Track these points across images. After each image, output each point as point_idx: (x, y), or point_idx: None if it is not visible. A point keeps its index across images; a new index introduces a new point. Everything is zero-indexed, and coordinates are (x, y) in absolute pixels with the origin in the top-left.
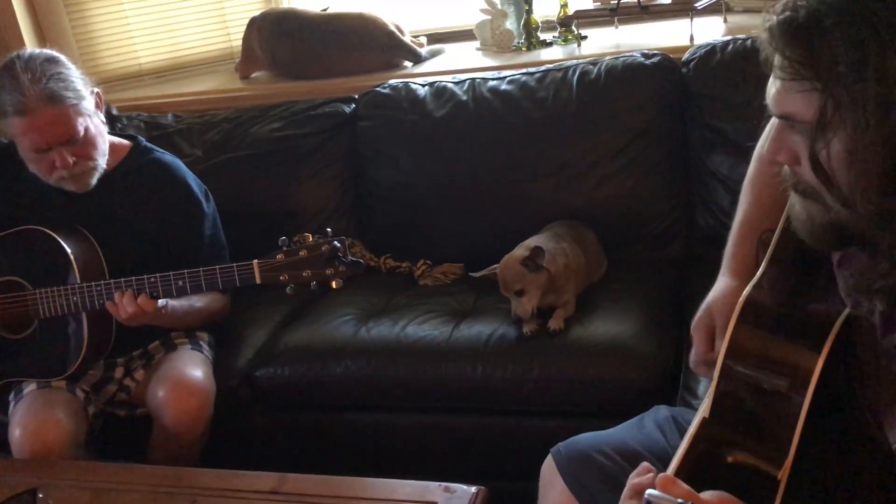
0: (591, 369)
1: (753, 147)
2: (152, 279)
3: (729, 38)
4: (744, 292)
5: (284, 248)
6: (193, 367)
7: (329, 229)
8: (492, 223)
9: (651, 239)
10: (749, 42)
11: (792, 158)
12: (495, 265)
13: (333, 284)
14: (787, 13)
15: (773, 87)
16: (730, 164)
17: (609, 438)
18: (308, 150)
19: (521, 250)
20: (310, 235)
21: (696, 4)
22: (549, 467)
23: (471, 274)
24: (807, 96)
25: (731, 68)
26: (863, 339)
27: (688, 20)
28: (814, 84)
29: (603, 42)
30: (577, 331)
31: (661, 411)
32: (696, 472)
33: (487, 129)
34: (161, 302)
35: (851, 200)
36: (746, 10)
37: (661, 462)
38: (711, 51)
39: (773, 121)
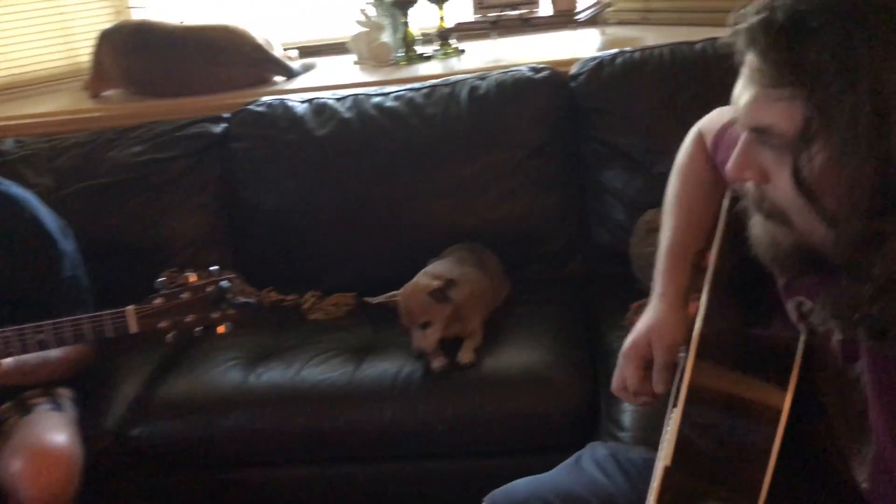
0: (510, 404)
1: (646, 161)
2: (5, 334)
3: (615, 51)
4: (695, 328)
5: (163, 291)
6: (54, 431)
7: (215, 266)
8: (384, 248)
9: (549, 258)
10: (637, 54)
11: (760, 176)
12: (393, 291)
13: (220, 329)
14: (765, 14)
15: (744, 95)
16: (624, 178)
17: (551, 485)
18: (175, 176)
19: (426, 279)
20: (192, 275)
21: (578, 17)
22: None
23: (366, 300)
24: (788, 105)
25: (621, 82)
26: (822, 369)
27: (565, 32)
28: (797, 91)
29: (483, 55)
30: (490, 362)
31: (598, 449)
32: None
33: (375, 147)
34: (7, 361)
35: (836, 220)
36: (621, 22)
37: None
38: (599, 64)
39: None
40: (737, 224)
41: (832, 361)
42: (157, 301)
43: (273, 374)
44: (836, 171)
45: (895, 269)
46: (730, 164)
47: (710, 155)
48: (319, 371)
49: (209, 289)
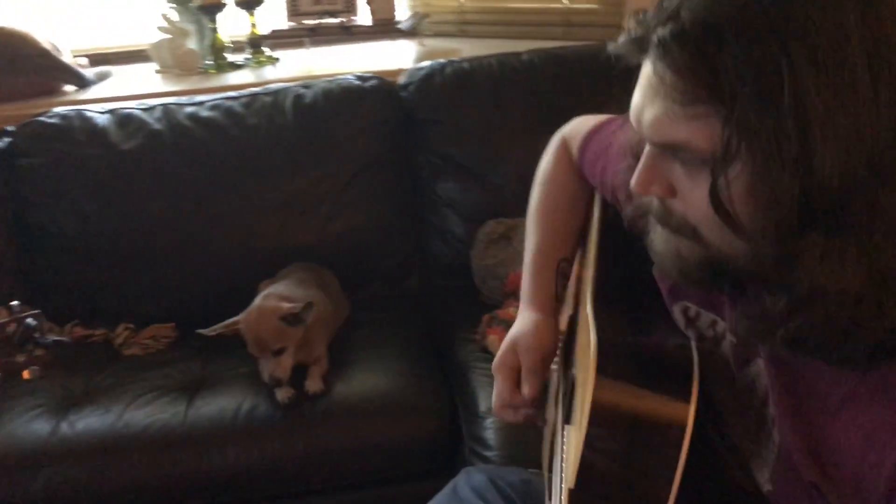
0: (366, 432)
1: (482, 171)
2: None
3: (443, 60)
4: (592, 342)
5: None
6: None
7: (16, 301)
8: (205, 273)
9: (387, 274)
10: (465, 64)
11: (667, 191)
12: (234, 319)
13: (26, 375)
14: (674, 24)
15: (650, 109)
16: (461, 189)
17: None
18: None
19: (273, 301)
20: None
21: (400, 25)
22: None
23: (200, 331)
24: (704, 124)
25: (452, 91)
26: (715, 374)
27: (383, 43)
28: (714, 109)
29: (299, 65)
30: (341, 390)
31: (474, 475)
32: None
33: (190, 162)
34: None
35: (754, 236)
36: (438, 34)
37: None
38: (429, 74)
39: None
40: (612, 232)
41: (724, 366)
42: None
43: (90, 421)
44: (756, 189)
45: (814, 283)
46: (634, 179)
47: (574, 163)
48: (145, 414)
49: (10, 327)
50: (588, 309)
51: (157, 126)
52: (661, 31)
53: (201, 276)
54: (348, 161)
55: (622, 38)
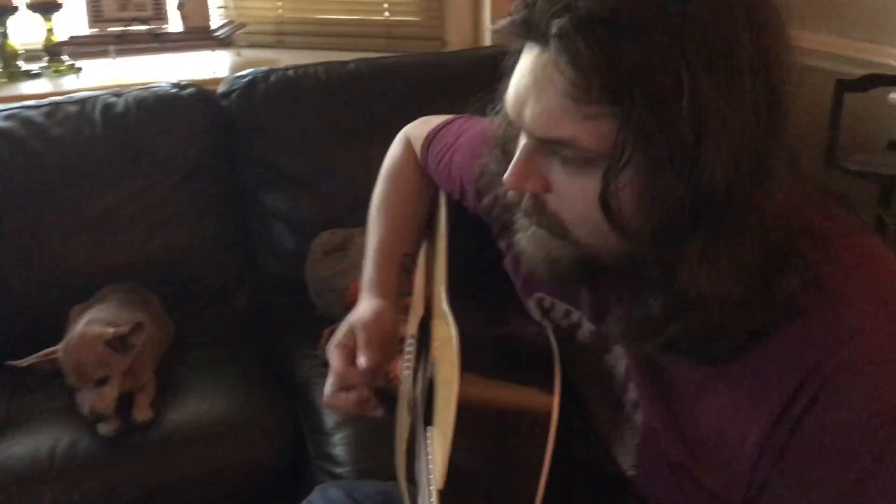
0: (206, 460)
1: (312, 182)
2: None
3: (266, 68)
4: (453, 338)
5: None
6: None
7: None
8: (9, 299)
9: (213, 293)
10: (290, 73)
11: (543, 185)
12: (50, 349)
13: None
14: (571, 15)
15: (537, 103)
16: (290, 201)
17: None
18: None
19: (96, 327)
20: None
21: (216, 34)
22: None
23: (11, 363)
24: (596, 123)
25: (278, 100)
26: (574, 363)
27: (196, 53)
28: (609, 109)
29: (105, 75)
30: (173, 417)
31: (330, 491)
32: None
33: None
34: None
35: (636, 239)
36: (253, 45)
37: None
38: (253, 82)
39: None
40: (461, 229)
41: (583, 354)
42: None
43: None
44: (644, 193)
45: (694, 286)
46: (509, 173)
47: (419, 160)
48: None
49: None
50: (444, 305)
51: None
52: (561, 23)
53: (4, 303)
54: (166, 174)
55: (504, 21)
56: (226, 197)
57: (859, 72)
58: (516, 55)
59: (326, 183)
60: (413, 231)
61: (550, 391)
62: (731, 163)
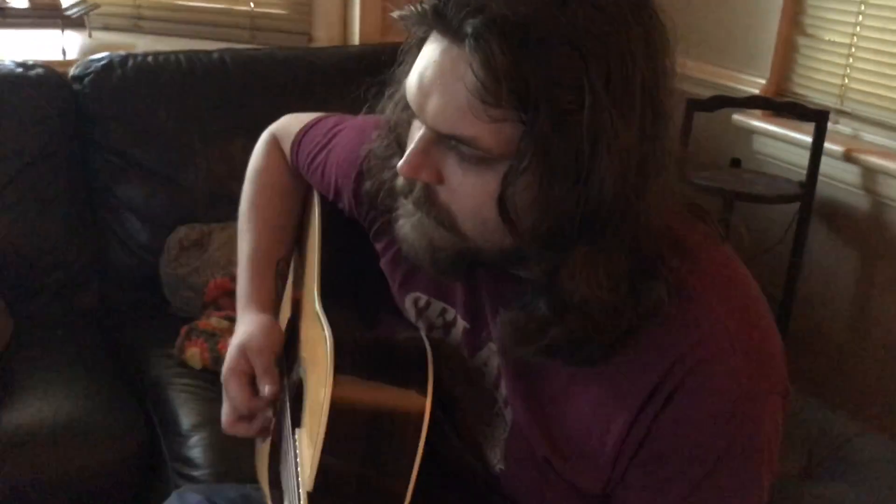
0: (50, 465)
1: (169, 174)
2: None
3: (124, 53)
4: (327, 340)
5: None
6: None
7: None
8: None
9: (57, 288)
10: (150, 59)
11: (436, 177)
12: None
13: None
14: (482, 17)
15: (441, 97)
16: (144, 193)
17: None
18: None
19: None
20: None
21: (68, 13)
22: None
23: None
24: (500, 127)
25: (135, 87)
26: (447, 362)
27: (42, 31)
28: (514, 115)
29: None
30: (12, 419)
31: (189, 497)
32: None
33: None
34: None
35: (524, 243)
36: (107, 27)
37: None
38: (109, 66)
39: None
40: (334, 228)
41: (455, 352)
42: None
43: None
44: (538, 199)
45: (575, 291)
46: (404, 161)
47: (288, 160)
48: None
49: None
50: (317, 307)
51: None
52: (476, 23)
53: None
54: (6, 159)
55: (410, 7)
56: (73, 187)
57: (707, 93)
58: (419, 43)
59: (185, 176)
60: (286, 234)
61: (423, 393)
62: (619, 176)
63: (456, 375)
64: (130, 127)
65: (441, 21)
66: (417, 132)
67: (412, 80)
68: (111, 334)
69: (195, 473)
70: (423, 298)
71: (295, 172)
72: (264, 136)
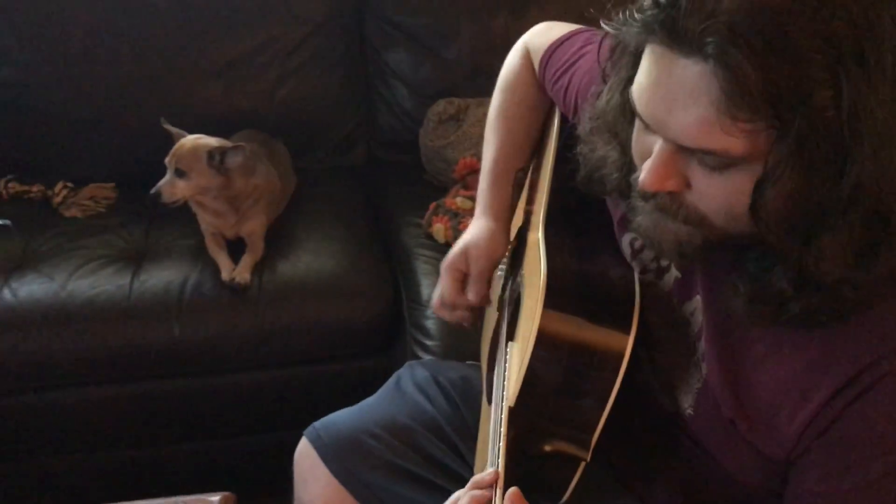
0: (310, 313)
1: (434, 45)
2: None
3: None
4: (542, 273)
5: None
6: None
7: None
8: (145, 135)
9: (334, 145)
10: None
11: (682, 184)
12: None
13: None
14: (721, 28)
15: (684, 114)
16: (411, 62)
17: (375, 415)
18: None
19: (216, 140)
20: None
21: None
22: (306, 453)
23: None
24: (750, 135)
25: None
26: (654, 305)
27: None
28: (766, 123)
29: None
30: (285, 270)
31: (418, 370)
32: (514, 467)
33: (130, 16)
34: None
35: (775, 233)
36: None
37: (432, 432)
38: None
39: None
40: (568, 151)
41: (664, 298)
42: None
43: (33, 289)
44: (796, 195)
45: (827, 273)
46: (646, 177)
47: (536, 73)
48: (89, 284)
49: None
50: (539, 234)
51: None
52: (716, 37)
53: (141, 136)
54: (297, 24)
55: (622, 22)
56: (351, 51)
57: None
58: (635, 49)
59: (447, 48)
60: (528, 145)
61: (627, 332)
62: (876, 159)
63: (662, 319)
64: None
65: (671, 33)
66: (653, 143)
67: (643, 94)
68: (373, 193)
69: (428, 343)
70: (639, 241)
71: (541, 87)
72: (517, 46)
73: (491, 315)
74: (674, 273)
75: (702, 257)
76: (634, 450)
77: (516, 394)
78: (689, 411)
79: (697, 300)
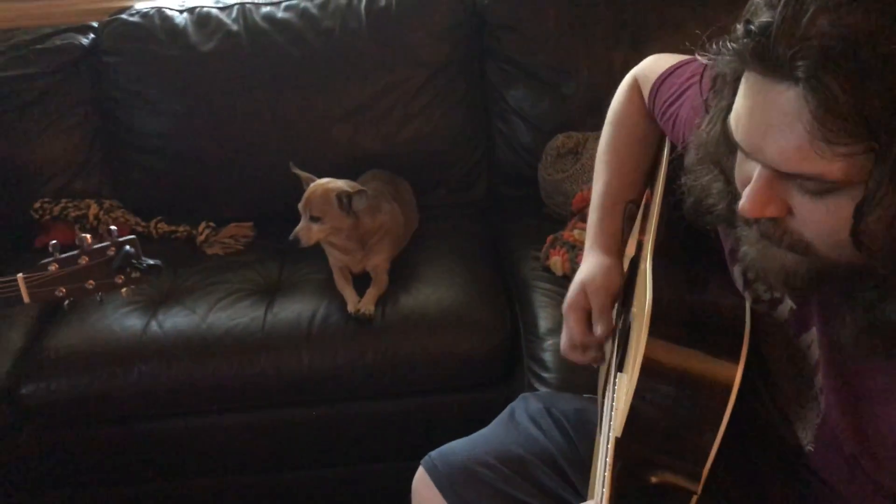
0: (430, 345)
1: (553, 81)
2: None
3: None
4: (647, 302)
5: (59, 256)
6: None
7: (113, 228)
8: (280, 175)
9: (455, 182)
10: None
11: (784, 210)
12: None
13: (124, 293)
14: (811, 54)
15: (780, 139)
16: (531, 99)
17: (488, 445)
18: (38, 95)
19: (344, 183)
20: (88, 236)
21: None
22: (423, 483)
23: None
24: (846, 161)
25: None
26: (770, 336)
27: None
28: (862, 146)
29: None
30: (407, 302)
31: (531, 402)
32: (619, 499)
33: (267, 64)
34: None
35: (880, 260)
36: None
37: (545, 463)
38: None
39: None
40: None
41: (780, 329)
42: (52, 268)
43: (177, 321)
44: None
45: None
46: (746, 202)
47: (646, 105)
48: (228, 316)
49: (110, 252)
50: (647, 264)
51: (234, 27)
52: (807, 63)
53: (276, 177)
54: (420, 67)
55: (720, 46)
56: (471, 91)
57: None
58: (734, 78)
59: (565, 84)
60: (638, 178)
61: (736, 361)
62: None
63: (778, 350)
64: (522, 36)
65: (762, 62)
66: (753, 170)
67: (740, 122)
68: (493, 228)
69: (545, 375)
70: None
71: (652, 118)
72: (627, 79)
73: (608, 348)
74: (788, 304)
75: (814, 288)
76: (752, 485)
77: (623, 424)
78: (810, 447)
79: (814, 332)
